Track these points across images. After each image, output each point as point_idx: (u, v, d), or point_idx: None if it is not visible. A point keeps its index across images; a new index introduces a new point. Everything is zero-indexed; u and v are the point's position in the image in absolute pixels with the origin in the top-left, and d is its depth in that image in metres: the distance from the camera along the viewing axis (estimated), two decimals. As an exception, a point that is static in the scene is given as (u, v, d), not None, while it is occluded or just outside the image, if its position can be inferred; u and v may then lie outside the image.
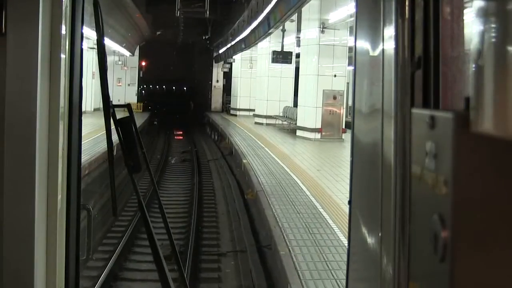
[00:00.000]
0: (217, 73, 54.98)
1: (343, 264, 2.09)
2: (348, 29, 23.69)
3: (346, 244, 2.01)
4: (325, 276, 7.77)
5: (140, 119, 35.20)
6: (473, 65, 1.02)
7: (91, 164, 16.14)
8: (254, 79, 39.39)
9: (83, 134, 2.55)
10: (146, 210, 2.59)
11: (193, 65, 61.94)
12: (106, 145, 2.50)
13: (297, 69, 29.64)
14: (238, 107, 42.83)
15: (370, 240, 1.69)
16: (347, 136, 23.67)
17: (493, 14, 0.98)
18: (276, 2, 19.65)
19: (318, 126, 24.72)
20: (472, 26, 1.03)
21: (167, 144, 33.87)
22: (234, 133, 29.00)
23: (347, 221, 2.01)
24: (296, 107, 28.39)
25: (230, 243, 13.05)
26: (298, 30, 27.85)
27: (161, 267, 2.55)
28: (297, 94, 28.77)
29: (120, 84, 48.71)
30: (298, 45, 29.30)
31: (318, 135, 24.72)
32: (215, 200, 17.76)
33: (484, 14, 1.00)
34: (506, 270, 1.02)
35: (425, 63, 1.38)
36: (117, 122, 2.45)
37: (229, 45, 40.32)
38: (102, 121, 2.48)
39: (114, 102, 2.43)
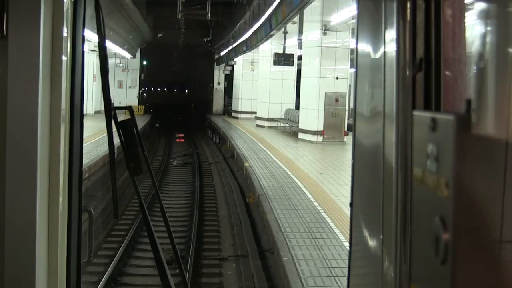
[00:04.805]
0: (219, 75, 54.94)
1: (347, 271, 2.08)
2: (350, 31, 23.69)
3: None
4: (329, 283, 7.72)
5: (141, 122, 35.22)
6: (474, 67, 1.02)
7: (91, 168, 16.16)
8: (255, 81, 39.42)
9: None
10: (147, 212, 2.59)
11: (194, 68, 61.97)
12: (108, 147, 2.50)
13: (299, 72, 29.63)
14: (239, 110, 42.84)
15: (371, 242, 1.69)
16: (349, 139, 23.64)
17: (494, 16, 0.98)
18: (278, 4, 19.65)
19: (320, 128, 24.71)
20: (473, 29, 1.03)
21: (169, 147, 33.87)
22: (235, 136, 29.00)
23: (349, 223, 2.01)
24: (298, 109, 28.38)
25: (232, 247, 13.01)
26: (300, 32, 27.85)
27: (163, 271, 2.55)
28: (299, 96, 28.76)
29: (121, 86, 48.76)
30: (300, 47, 29.31)
31: (320, 138, 24.70)
32: (217, 204, 17.74)
33: (485, 16, 1.00)
34: (507, 272, 1.02)
35: (427, 65, 1.38)
36: (119, 125, 2.45)
37: (230, 47, 40.32)
38: (102, 124, 2.48)
39: (115, 105, 2.43)
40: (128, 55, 46.00)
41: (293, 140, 26.61)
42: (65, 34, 2.19)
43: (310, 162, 19.42)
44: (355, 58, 1.87)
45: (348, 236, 2.11)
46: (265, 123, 34.38)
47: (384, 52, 1.54)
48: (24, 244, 2.08)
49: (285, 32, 27.77)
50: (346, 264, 8.33)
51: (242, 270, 11.27)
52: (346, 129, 24.86)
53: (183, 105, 61.20)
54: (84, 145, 2.63)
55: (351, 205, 1.94)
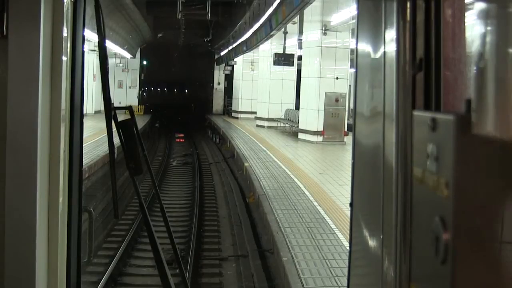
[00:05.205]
0: (219, 75, 54.93)
1: (347, 271, 2.09)
2: (350, 31, 23.69)
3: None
4: (329, 283, 7.71)
5: (141, 122, 35.21)
6: (474, 67, 1.02)
7: (91, 168, 16.16)
8: (255, 81, 39.43)
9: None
10: (147, 212, 2.59)
11: (194, 68, 61.95)
12: (108, 147, 2.50)
13: (299, 72, 29.63)
14: (239, 110, 42.84)
15: (371, 242, 1.69)
16: (349, 139, 23.64)
17: (494, 16, 0.98)
18: (278, 4, 19.65)
19: (320, 128, 24.71)
20: (473, 29, 1.03)
21: (168, 147, 33.87)
22: (235, 136, 29.00)
23: (349, 223, 2.01)
24: (298, 109, 28.38)
25: (232, 247, 13.01)
26: (300, 32, 27.85)
27: (163, 271, 2.55)
28: (299, 96, 28.76)
29: (121, 86, 48.79)
30: (300, 47, 29.30)
31: (320, 138, 24.70)
32: (217, 204, 17.74)
33: (485, 16, 1.00)
34: (507, 272, 1.02)
35: (427, 65, 1.38)
36: (119, 125, 2.45)
37: (230, 47, 40.31)
38: (102, 124, 2.48)
39: (115, 105, 2.43)
40: (128, 55, 46.01)
41: (293, 140, 26.60)
42: (65, 34, 2.19)
43: (310, 162, 19.41)
44: (355, 58, 1.87)
45: (348, 236, 2.11)
46: (265, 123, 34.37)
47: (384, 52, 1.54)
48: (24, 244, 2.09)
49: (285, 32, 27.77)
50: (346, 264, 8.36)
51: (242, 270, 11.27)
52: (346, 129, 24.85)
53: (183, 105, 61.17)
54: (84, 145, 2.63)
55: (351, 205, 1.94)
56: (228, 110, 49.07)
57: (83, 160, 2.61)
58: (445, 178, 1.05)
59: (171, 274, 2.59)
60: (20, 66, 2.02)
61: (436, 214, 1.08)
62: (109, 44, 30.58)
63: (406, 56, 1.42)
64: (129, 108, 2.74)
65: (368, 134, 1.78)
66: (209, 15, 29.55)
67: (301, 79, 27.12)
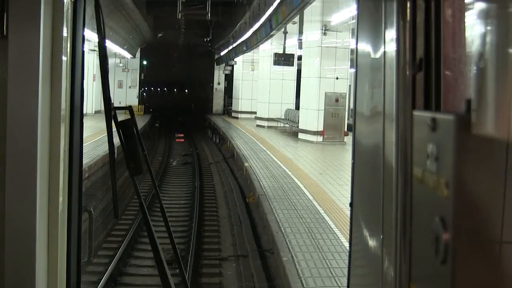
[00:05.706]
0: (219, 75, 54.94)
1: (347, 271, 2.09)
2: (350, 31, 23.69)
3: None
4: (329, 283, 7.71)
5: (141, 122, 35.21)
6: (474, 67, 1.02)
7: (91, 167, 16.17)
8: (255, 81, 39.43)
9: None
10: (147, 212, 2.59)
11: (194, 68, 61.96)
12: (108, 147, 2.50)
13: (299, 72, 29.63)
14: (239, 110, 42.83)
15: (371, 242, 1.69)
16: (349, 139, 23.63)
17: (494, 16, 0.98)
18: (278, 4, 19.64)
19: (320, 128, 24.71)
20: (473, 28, 1.03)
21: (168, 147, 33.87)
22: (235, 135, 28.99)
23: (349, 223, 2.01)
24: (298, 109, 28.38)
25: (232, 247, 13.00)
26: (300, 32, 27.85)
27: (163, 271, 2.55)
28: (299, 96, 28.76)
29: (121, 86, 48.80)
30: (300, 47, 29.30)
31: (320, 138, 24.69)
32: (217, 204, 17.74)
33: (485, 16, 1.00)
34: (507, 272, 1.02)
35: (427, 65, 1.38)
36: (119, 125, 2.45)
37: (230, 47, 40.30)
38: (102, 124, 2.48)
39: (115, 105, 2.43)
40: (128, 55, 45.99)
41: (293, 140, 26.60)
42: (65, 34, 2.19)
43: (310, 162, 19.41)
44: (355, 58, 1.87)
45: (348, 236, 2.11)
46: (265, 123, 34.37)
47: (384, 52, 1.54)
48: (24, 244, 2.08)
49: (285, 32, 27.76)
50: (346, 264, 8.33)
51: (242, 270, 11.26)
52: (346, 129, 24.84)
53: (183, 105, 61.21)
54: (84, 145, 2.63)
55: (351, 205, 1.94)
56: (228, 110, 49.06)
57: (83, 160, 2.61)
58: (445, 178, 1.05)
59: (171, 274, 2.59)
60: (20, 66, 2.02)
61: (436, 214, 1.08)
62: (109, 44, 30.59)
63: (406, 56, 1.42)
64: (129, 108, 2.74)
65: (368, 134, 1.78)
66: (209, 15, 29.55)
67: (301, 79, 27.12)
